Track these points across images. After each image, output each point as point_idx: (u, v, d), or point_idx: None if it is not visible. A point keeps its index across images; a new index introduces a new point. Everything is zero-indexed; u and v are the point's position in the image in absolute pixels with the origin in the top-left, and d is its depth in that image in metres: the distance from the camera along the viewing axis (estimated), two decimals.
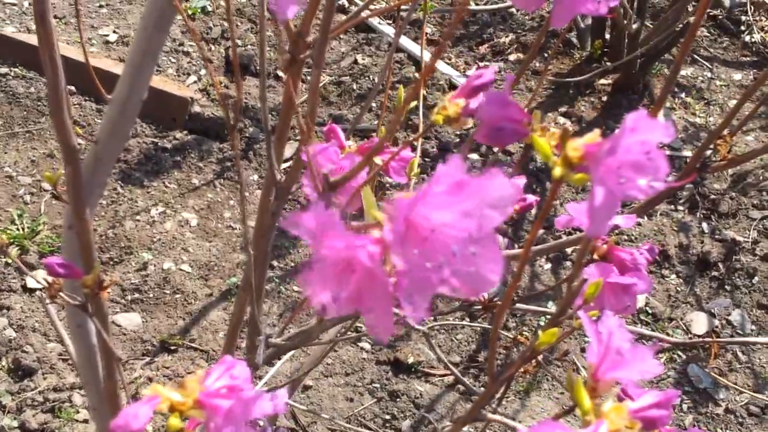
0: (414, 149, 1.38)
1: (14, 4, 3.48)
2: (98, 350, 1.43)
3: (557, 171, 0.64)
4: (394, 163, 1.20)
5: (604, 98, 3.47)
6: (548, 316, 1.93)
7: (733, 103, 3.50)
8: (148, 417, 0.66)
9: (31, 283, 2.58)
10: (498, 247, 0.58)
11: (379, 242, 0.58)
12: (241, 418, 0.65)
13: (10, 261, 2.61)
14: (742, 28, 4.05)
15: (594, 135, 0.63)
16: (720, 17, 4.07)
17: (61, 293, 1.11)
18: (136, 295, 2.64)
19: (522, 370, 0.91)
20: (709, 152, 1.24)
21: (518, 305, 1.30)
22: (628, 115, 0.60)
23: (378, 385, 2.52)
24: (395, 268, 0.57)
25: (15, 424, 2.23)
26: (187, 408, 0.66)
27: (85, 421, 2.27)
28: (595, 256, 0.99)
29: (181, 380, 0.68)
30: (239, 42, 3.50)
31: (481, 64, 3.58)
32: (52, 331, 2.46)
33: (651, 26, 3.61)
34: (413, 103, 1.27)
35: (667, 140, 0.61)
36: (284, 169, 1.20)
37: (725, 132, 1.10)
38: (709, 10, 4.10)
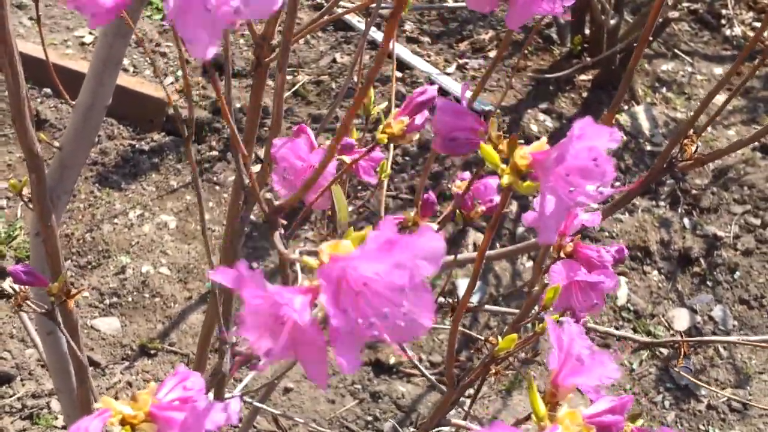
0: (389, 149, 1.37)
1: None
2: (70, 357, 1.41)
3: (505, 179, 0.63)
4: (363, 163, 1.18)
5: (585, 94, 3.46)
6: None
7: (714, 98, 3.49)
8: (99, 430, 0.64)
9: (8, 288, 2.55)
10: (430, 294, 0.58)
11: (310, 292, 0.57)
12: (194, 430, 0.63)
13: None
14: (723, 22, 4.05)
15: (541, 143, 0.62)
16: (700, 11, 4.07)
17: (27, 301, 1.09)
18: (115, 299, 2.62)
19: (493, 371, 0.90)
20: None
21: (486, 307, 1.29)
22: (575, 123, 0.59)
23: (359, 387, 2.51)
24: (327, 320, 0.56)
25: None
26: (139, 421, 0.65)
27: (64, 428, 2.25)
28: (562, 254, 0.98)
29: (133, 393, 0.66)
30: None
31: (461, 61, 3.57)
32: (30, 337, 2.44)
33: (631, 20, 3.60)
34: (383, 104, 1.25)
35: (614, 145, 0.60)
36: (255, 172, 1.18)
37: (691, 132, 1.08)
38: (689, 4, 4.10)
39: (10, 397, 2.31)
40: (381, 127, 0.84)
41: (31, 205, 1.17)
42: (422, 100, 0.86)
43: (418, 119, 0.86)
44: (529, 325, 1.10)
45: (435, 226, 1.18)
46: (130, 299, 2.63)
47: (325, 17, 1.21)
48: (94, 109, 1.21)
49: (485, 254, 0.75)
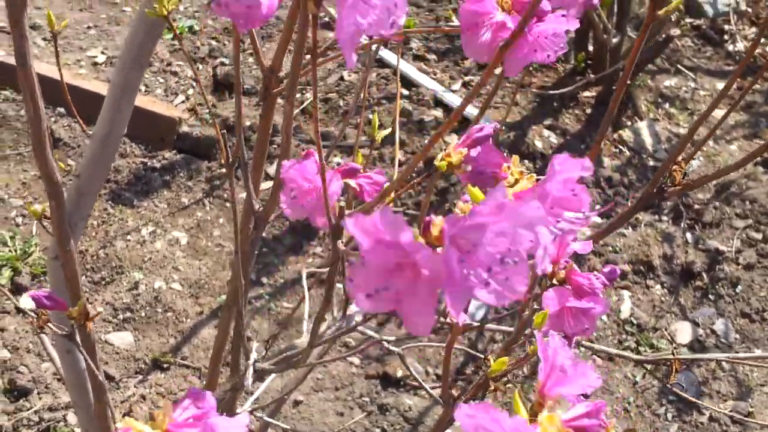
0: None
1: (3, 30, 3.52)
2: (87, 374, 1.47)
3: None
4: (368, 187, 1.24)
5: (588, 110, 3.52)
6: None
7: (716, 113, 3.54)
8: None
9: (24, 304, 2.61)
10: (526, 263, 0.64)
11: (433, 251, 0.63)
12: None
13: (3, 282, 2.65)
14: (726, 37, 4.10)
15: (524, 183, 0.67)
16: (703, 27, 4.12)
17: (49, 323, 1.14)
18: (128, 314, 2.68)
19: (492, 387, 0.96)
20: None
21: (488, 325, 1.34)
22: (554, 160, 0.65)
23: (368, 399, 2.56)
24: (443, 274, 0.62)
25: None
26: None
27: None
28: (555, 281, 1.03)
29: (151, 412, 0.72)
30: (226, 61, 3.55)
31: (466, 78, 3.62)
32: (46, 352, 2.50)
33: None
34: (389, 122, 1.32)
35: (587, 174, 0.66)
36: (264, 192, 1.24)
37: (680, 158, 1.14)
38: (692, 20, 4.15)
39: (28, 410, 2.37)
40: (441, 155, 0.90)
41: (50, 230, 1.23)
42: (480, 135, 0.91)
43: (473, 152, 0.92)
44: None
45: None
46: (143, 314, 2.69)
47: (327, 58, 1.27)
48: (111, 138, 1.27)
49: None
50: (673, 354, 1.25)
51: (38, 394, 2.42)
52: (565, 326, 1.00)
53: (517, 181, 0.89)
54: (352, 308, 1.23)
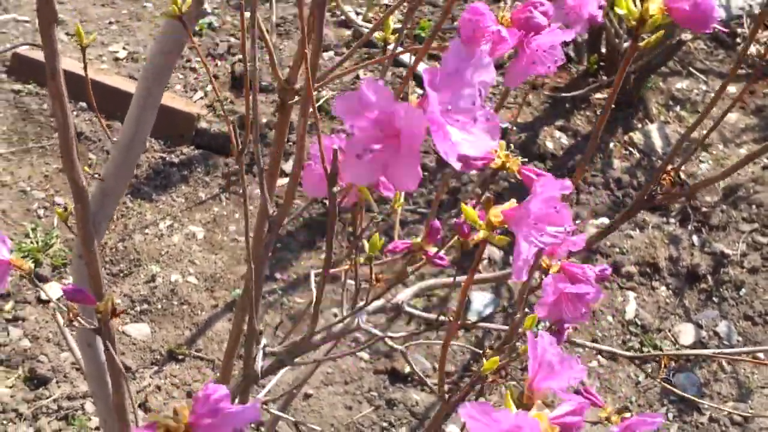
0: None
1: (27, 22, 3.60)
2: (106, 366, 1.54)
3: (481, 233, 0.75)
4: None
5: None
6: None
7: (728, 117, 3.59)
8: None
9: (44, 295, 2.69)
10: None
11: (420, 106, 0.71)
12: (225, 429, 0.77)
13: (24, 274, 2.73)
14: (738, 40, 4.14)
15: (511, 202, 0.74)
16: (716, 30, 4.16)
17: (78, 318, 1.21)
18: (145, 306, 2.75)
19: (490, 379, 1.03)
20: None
21: (481, 324, 1.40)
22: (538, 182, 0.72)
23: (376, 394, 2.63)
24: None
25: (31, 430, 2.35)
26: (181, 431, 0.78)
27: (97, 429, 2.39)
28: (551, 271, 1.10)
29: (174, 407, 0.79)
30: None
31: None
32: (65, 341, 2.58)
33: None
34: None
35: (567, 192, 0.73)
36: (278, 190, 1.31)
37: (669, 167, 1.20)
38: None
39: (47, 398, 2.45)
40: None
41: (72, 232, 1.30)
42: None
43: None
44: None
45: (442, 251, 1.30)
46: (159, 306, 2.76)
47: (346, 64, 1.33)
48: (134, 145, 1.34)
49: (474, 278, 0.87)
50: (698, 348, 1.31)
51: (57, 382, 2.50)
52: (563, 311, 1.06)
53: (503, 164, 0.95)
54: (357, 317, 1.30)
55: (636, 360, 1.47)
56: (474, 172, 3.31)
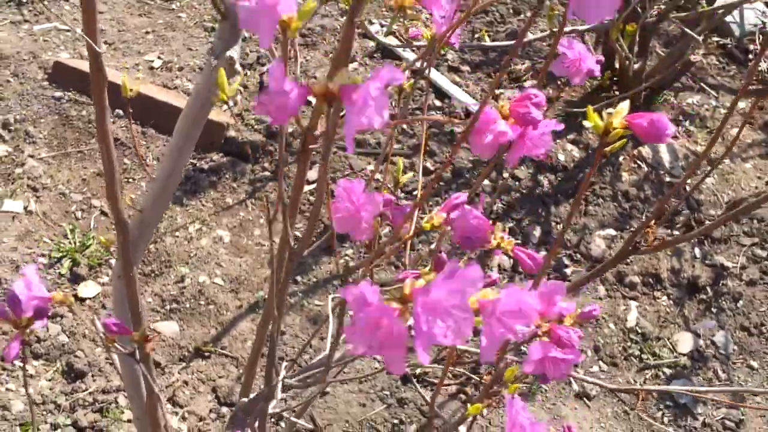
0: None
1: (68, 31, 3.80)
2: (141, 375, 1.73)
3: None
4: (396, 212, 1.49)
5: None
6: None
7: (735, 132, 3.73)
8: None
9: (83, 293, 2.89)
10: (471, 313, 0.88)
11: (401, 310, 0.87)
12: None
13: (63, 272, 2.94)
14: (750, 57, 4.27)
15: (487, 291, 0.91)
16: (729, 46, 4.30)
17: (115, 343, 1.39)
18: (174, 305, 2.95)
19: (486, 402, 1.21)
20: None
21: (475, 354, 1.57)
22: (507, 290, 0.88)
23: (388, 393, 2.81)
24: (412, 326, 0.87)
25: (68, 422, 2.55)
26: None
27: (129, 421, 2.58)
28: (539, 333, 1.26)
29: None
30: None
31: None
32: (99, 337, 2.78)
33: (664, 53, 3.84)
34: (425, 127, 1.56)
35: (532, 300, 0.89)
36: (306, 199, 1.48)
37: (653, 222, 1.36)
38: (718, 39, 4.33)
39: (83, 391, 2.65)
40: (426, 218, 1.17)
41: (113, 255, 1.48)
42: (456, 202, 1.18)
43: (453, 214, 1.19)
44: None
45: None
46: (187, 306, 2.95)
47: None
48: (172, 179, 1.52)
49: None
50: (694, 356, 1.47)
51: (92, 376, 2.70)
52: (546, 370, 1.23)
53: (498, 245, 1.15)
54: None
55: (616, 391, 1.63)
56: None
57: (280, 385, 1.41)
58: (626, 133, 0.96)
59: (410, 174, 1.79)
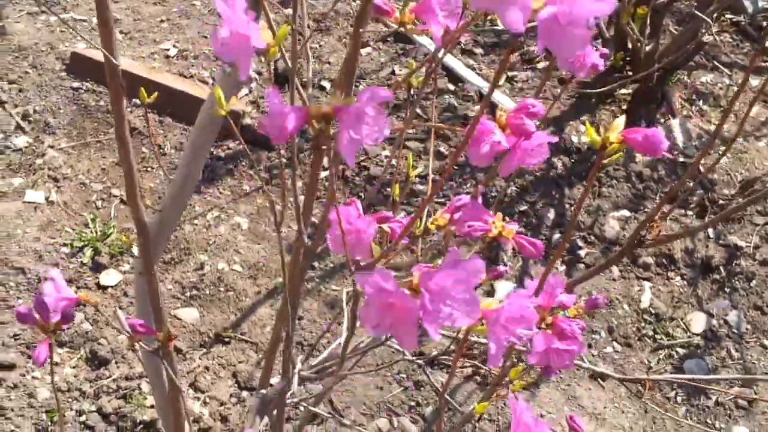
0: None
1: (84, 21, 3.84)
2: (163, 368, 1.78)
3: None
4: (397, 229, 1.53)
5: (625, 107, 3.74)
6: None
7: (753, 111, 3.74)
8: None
9: (104, 281, 2.95)
10: (476, 299, 0.93)
11: (413, 292, 0.92)
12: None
13: (85, 261, 3.00)
14: (764, 33, 4.27)
15: (491, 301, 0.95)
16: (743, 23, 4.29)
17: (140, 342, 1.44)
18: (194, 292, 3.00)
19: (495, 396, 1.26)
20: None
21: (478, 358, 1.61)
22: (509, 299, 0.92)
23: (404, 376, 2.86)
24: (420, 307, 0.91)
25: (93, 408, 2.62)
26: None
27: (152, 407, 2.64)
28: (543, 325, 1.31)
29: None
30: (287, 55, 3.82)
31: (511, 73, 3.86)
32: (123, 330, 2.84)
33: (676, 31, 3.85)
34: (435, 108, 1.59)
35: (533, 304, 0.93)
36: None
37: (657, 216, 1.40)
38: (731, 17, 4.33)
39: (107, 378, 2.71)
40: (432, 219, 1.22)
41: (133, 255, 1.53)
42: (459, 204, 1.23)
43: (456, 215, 1.24)
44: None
45: None
46: (207, 292, 3.01)
47: None
48: (188, 182, 1.57)
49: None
50: (708, 335, 1.51)
51: (116, 363, 2.76)
52: (551, 361, 1.27)
53: (500, 234, 1.19)
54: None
55: (623, 381, 1.67)
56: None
57: (296, 378, 1.46)
58: (621, 147, 0.99)
59: (420, 169, 1.84)
